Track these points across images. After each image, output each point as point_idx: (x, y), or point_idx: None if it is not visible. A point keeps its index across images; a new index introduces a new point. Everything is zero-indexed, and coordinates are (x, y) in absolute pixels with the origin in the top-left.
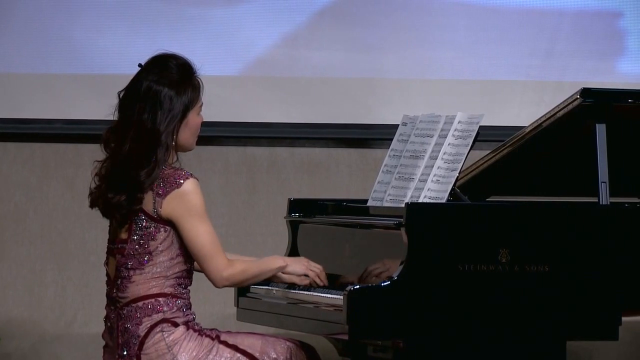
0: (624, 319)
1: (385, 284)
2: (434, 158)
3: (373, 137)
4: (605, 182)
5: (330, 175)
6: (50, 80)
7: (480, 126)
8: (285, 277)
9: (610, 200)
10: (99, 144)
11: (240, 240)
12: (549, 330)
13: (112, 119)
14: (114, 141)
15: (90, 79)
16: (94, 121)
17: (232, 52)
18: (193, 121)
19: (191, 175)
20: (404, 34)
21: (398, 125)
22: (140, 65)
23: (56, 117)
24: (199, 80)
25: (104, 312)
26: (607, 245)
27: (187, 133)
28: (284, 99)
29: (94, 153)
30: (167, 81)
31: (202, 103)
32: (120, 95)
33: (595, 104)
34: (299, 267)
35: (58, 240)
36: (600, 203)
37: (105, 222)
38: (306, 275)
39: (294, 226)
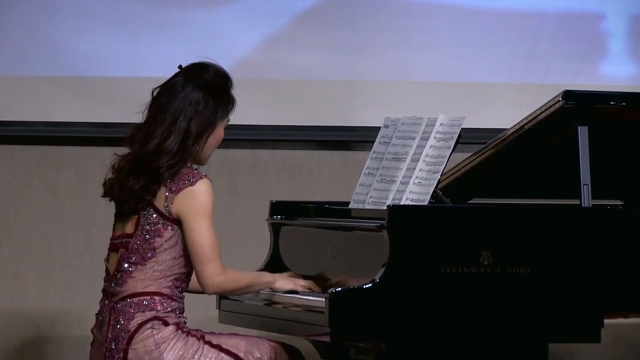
0: (606, 321)
1: (367, 286)
2: (415, 160)
3: (355, 139)
4: (587, 185)
5: (312, 178)
6: (31, 82)
7: (462, 128)
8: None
9: (593, 203)
10: (81, 147)
11: (222, 242)
12: (530, 332)
13: (92, 121)
14: (141, 138)
15: (71, 81)
16: (75, 123)
17: (213, 55)
18: (219, 133)
19: (205, 176)
20: (386, 36)
21: (380, 127)
22: (180, 66)
23: (37, 120)
24: (233, 95)
25: (86, 315)
26: (589, 248)
27: (212, 143)
28: (266, 101)
29: (76, 155)
30: (207, 87)
31: (229, 120)
32: (155, 93)
33: (577, 106)
34: (287, 283)
35: (40, 242)
36: (583, 205)
37: (87, 224)
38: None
39: (275, 228)
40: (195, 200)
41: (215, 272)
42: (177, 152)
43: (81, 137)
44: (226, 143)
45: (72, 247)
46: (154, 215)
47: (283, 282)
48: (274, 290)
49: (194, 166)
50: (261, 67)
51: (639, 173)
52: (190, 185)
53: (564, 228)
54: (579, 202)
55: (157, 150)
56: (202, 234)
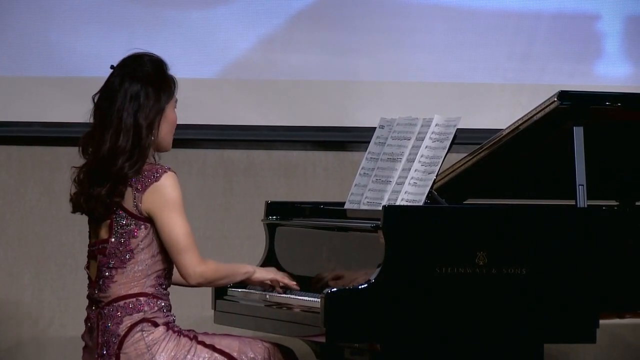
0: (601, 321)
1: (362, 286)
2: (411, 161)
3: (350, 139)
4: (582, 185)
5: (308, 178)
6: (27, 83)
7: (457, 129)
8: (256, 283)
9: (588, 203)
10: (77, 149)
11: (217, 243)
12: (526, 333)
13: (89, 122)
14: (93, 144)
15: (67, 81)
16: (71, 124)
17: (209, 55)
18: (170, 116)
19: (169, 169)
20: (381, 36)
21: (375, 128)
22: (112, 67)
23: (33, 120)
24: (172, 75)
25: (81, 315)
26: (584, 248)
27: (167, 128)
28: (261, 101)
29: (72, 156)
30: (143, 77)
31: (177, 99)
32: (95, 99)
33: (572, 106)
34: (267, 273)
35: (35, 243)
36: (578, 206)
37: (83, 224)
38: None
39: (271, 229)
40: (163, 194)
41: (194, 262)
42: (134, 149)
43: (77, 138)
44: (221, 143)
45: (67, 247)
46: (126, 217)
47: (262, 272)
48: (253, 281)
49: (157, 160)
50: (256, 68)
51: (635, 173)
52: (156, 180)
53: (559, 228)
54: (574, 203)
55: (111, 153)
56: (175, 226)
